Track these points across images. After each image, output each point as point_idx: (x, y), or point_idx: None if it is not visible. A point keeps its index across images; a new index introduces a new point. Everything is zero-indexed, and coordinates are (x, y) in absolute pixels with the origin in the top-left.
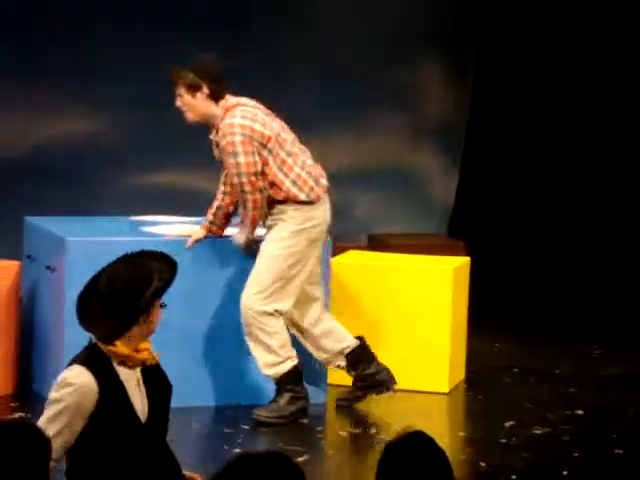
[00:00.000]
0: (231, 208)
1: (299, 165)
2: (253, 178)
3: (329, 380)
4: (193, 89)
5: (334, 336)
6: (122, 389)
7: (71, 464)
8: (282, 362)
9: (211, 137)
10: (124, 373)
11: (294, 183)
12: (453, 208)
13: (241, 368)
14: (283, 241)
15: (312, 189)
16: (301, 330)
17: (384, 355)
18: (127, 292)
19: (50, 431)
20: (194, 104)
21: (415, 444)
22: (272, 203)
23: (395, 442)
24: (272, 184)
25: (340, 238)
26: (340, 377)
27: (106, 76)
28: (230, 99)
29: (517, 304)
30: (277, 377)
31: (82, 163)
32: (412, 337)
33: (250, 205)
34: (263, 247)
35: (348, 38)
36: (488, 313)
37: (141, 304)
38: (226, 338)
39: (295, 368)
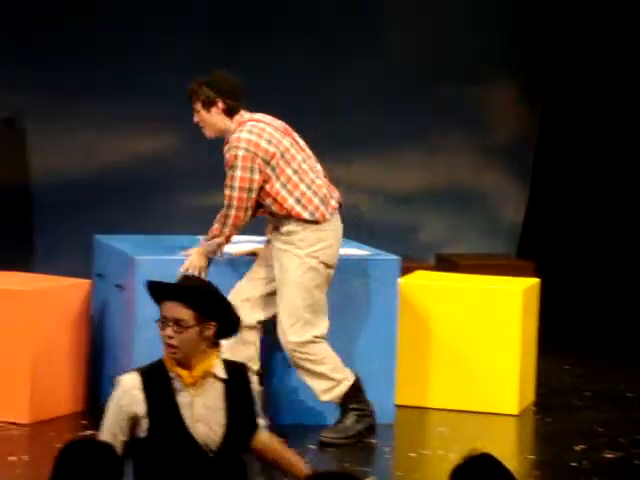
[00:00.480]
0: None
1: (305, 183)
2: (244, 194)
3: (397, 401)
4: (209, 105)
5: None
6: (172, 401)
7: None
8: (337, 385)
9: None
10: (182, 389)
11: (298, 201)
12: (522, 228)
13: (306, 388)
14: (300, 267)
15: (317, 208)
16: None
17: (453, 376)
18: None
19: (102, 428)
20: (210, 119)
21: (483, 466)
22: (279, 219)
23: (463, 464)
24: (275, 200)
25: (407, 258)
26: (408, 397)
27: (170, 97)
28: (244, 114)
29: (588, 326)
30: (337, 400)
31: (148, 182)
32: (481, 358)
33: (231, 221)
34: (282, 276)
35: (416, 56)
36: (558, 335)
37: None
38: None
39: (353, 387)
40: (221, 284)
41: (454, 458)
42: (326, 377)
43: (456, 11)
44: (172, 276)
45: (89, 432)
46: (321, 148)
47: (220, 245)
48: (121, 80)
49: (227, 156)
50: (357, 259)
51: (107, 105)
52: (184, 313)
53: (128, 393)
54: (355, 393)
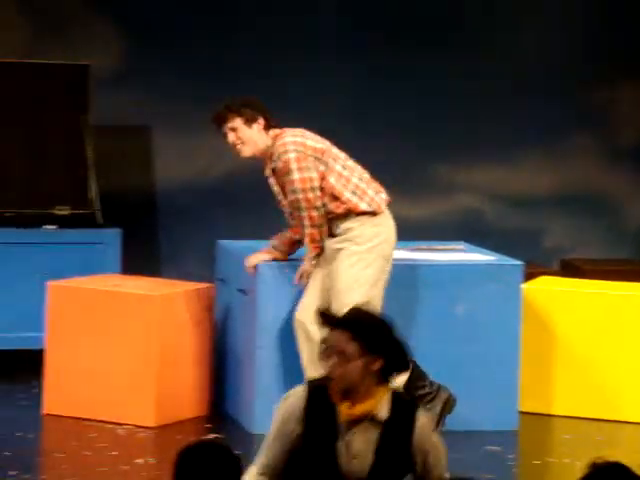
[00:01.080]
0: (296, 236)
1: (356, 177)
2: (310, 195)
3: (521, 407)
4: (251, 122)
5: None
6: (332, 429)
7: None
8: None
9: (266, 174)
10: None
11: (354, 193)
12: None
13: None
14: (359, 263)
15: (372, 199)
16: None
17: (577, 383)
18: None
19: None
20: (252, 137)
21: (615, 475)
22: (335, 220)
23: (594, 472)
24: (332, 197)
25: (531, 264)
26: (532, 404)
27: (298, 109)
28: (275, 129)
29: None
30: (403, 388)
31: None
32: (607, 365)
33: (307, 222)
34: (338, 274)
35: (543, 57)
36: None
37: None
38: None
39: (413, 370)
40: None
41: (581, 466)
42: None
43: (585, 10)
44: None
45: (213, 436)
46: (443, 150)
47: (312, 245)
48: (248, 89)
49: (280, 165)
50: (480, 265)
51: None
52: (350, 345)
53: (290, 407)
54: (415, 378)
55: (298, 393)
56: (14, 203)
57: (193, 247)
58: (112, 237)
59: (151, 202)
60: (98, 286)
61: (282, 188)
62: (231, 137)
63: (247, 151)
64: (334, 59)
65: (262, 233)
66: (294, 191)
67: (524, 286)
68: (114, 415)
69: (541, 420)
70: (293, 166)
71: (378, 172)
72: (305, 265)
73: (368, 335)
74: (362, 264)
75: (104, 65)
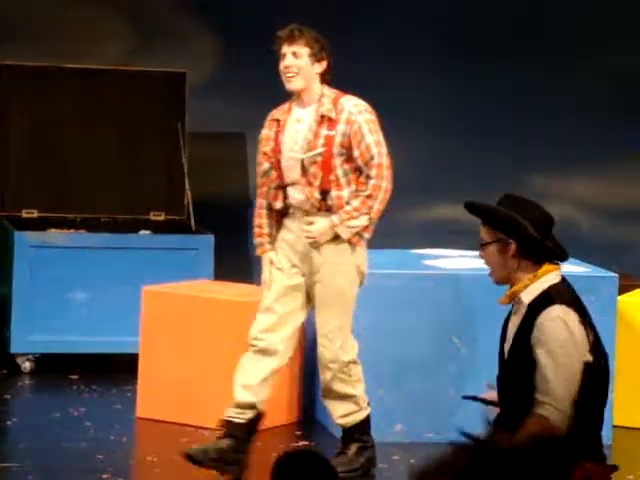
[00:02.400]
0: (278, 203)
1: None
2: (386, 160)
3: (615, 421)
4: (316, 59)
5: None
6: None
7: None
8: (358, 411)
9: (278, 117)
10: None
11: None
12: None
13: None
14: (356, 281)
15: None
16: None
17: None
18: None
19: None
20: (309, 72)
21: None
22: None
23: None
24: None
25: (626, 276)
26: (626, 418)
27: (397, 115)
28: (330, 86)
29: None
30: (349, 426)
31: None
32: None
33: (382, 195)
34: (335, 287)
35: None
36: None
37: None
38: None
39: (368, 417)
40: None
41: None
42: (354, 401)
43: None
44: (384, 289)
45: (303, 443)
46: (539, 161)
47: (367, 228)
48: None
49: (358, 118)
50: (575, 277)
51: None
52: (483, 231)
53: None
54: (366, 424)
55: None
56: (111, 208)
57: None
58: (205, 243)
59: (245, 209)
60: (191, 292)
61: (313, 141)
62: (290, 60)
63: (298, 83)
64: (430, 74)
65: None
66: (380, 154)
67: (619, 298)
68: (206, 420)
69: (635, 434)
70: (373, 127)
71: (474, 182)
72: (324, 233)
73: (494, 221)
74: (357, 281)
75: (200, 72)
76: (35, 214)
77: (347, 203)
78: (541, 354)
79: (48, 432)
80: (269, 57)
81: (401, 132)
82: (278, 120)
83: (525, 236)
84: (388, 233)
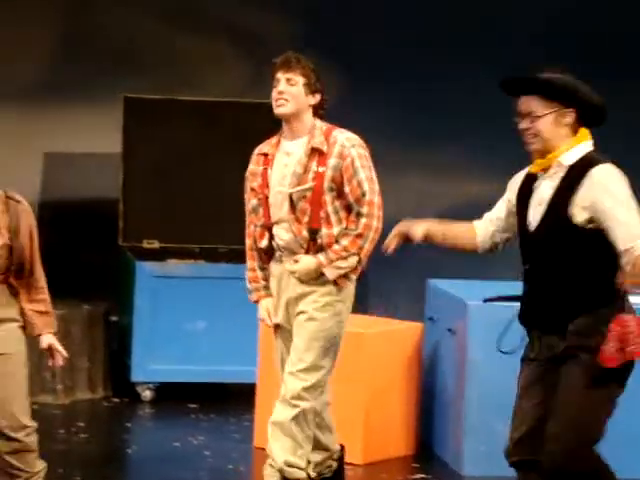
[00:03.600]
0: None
1: None
2: (378, 199)
3: None
4: (310, 90)
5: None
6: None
7: None
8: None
9: (266, 151)
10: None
11: None
12: None
13: None
14: (340, 315)
15: None
16: None
17: None
18: None
19: None
20: (302, 103)
21: None
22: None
23: None
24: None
25: None
26: None
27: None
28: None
29: None
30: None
31: None
32: None
33: (372, 235)
34: (316, 319)
35: None
36: None
37: None
38: None
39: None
40: None
41: None
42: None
43: None
44: (503, 323)
45: (420, 476)
46: None
47: (355, 269)
48: (459, 123)
49: (351, 152)
50: None
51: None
52: (534, 104)
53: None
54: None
55: None
56: (227, 239)
57: (402, 285)
58: None
59: None
60: None
61: (303, 175)
62: (283, 86)
63: (288, 108)
64: None
65: (473, 272)
66: (372, 191)
67: None
68: None
69: None
70: (366, 163)
71: None
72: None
73: (550, 91)
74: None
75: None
76: (156, 244)
77: (336, 242)
78: (611, 206)
79: (167, 461)
80: (382, 85)
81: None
82: (266, 154)
83: (587, 103)
84: (504, 263)
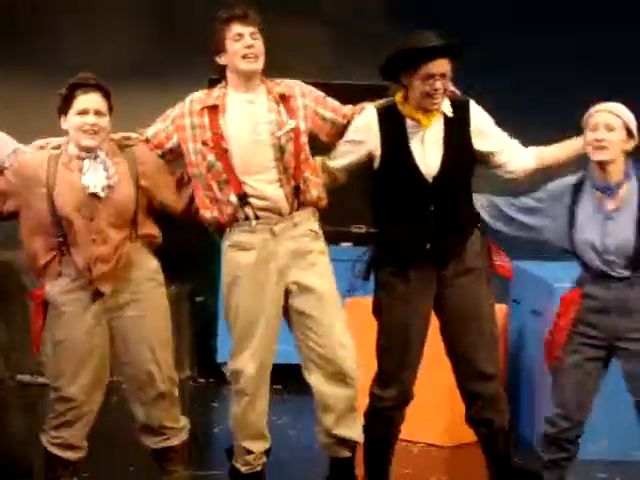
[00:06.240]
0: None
1: None
2: None
3: None
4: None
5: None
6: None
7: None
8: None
9: (213, 102)
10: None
11: None
12: None
13: None
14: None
15: None
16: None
17: None
18: None
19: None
20: (263, 54)
21: None
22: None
23: None
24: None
25: None
26: None
27: None
28: None
29: None
30: None
31: None
32: None
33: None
34: (325, 284)
35: None
36: None
37: None
38: None
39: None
40: None
41: None
42: None
43: None
44: None
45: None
46: None
47: None
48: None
49: (310, 87)
50: None
51: None
52: (447, 66)
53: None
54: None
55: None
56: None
57: None
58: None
59: None
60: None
61: (280, 120)
62: (249, 40)
63: (259, 64)
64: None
65: (558, 254)
66: (341, 106)
67: None
68: (409, 433)
69: None
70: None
71: None
72: None
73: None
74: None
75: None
76: None
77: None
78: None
79: None
80: (466, 72)
81: None
82: (214, 106)
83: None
84: None
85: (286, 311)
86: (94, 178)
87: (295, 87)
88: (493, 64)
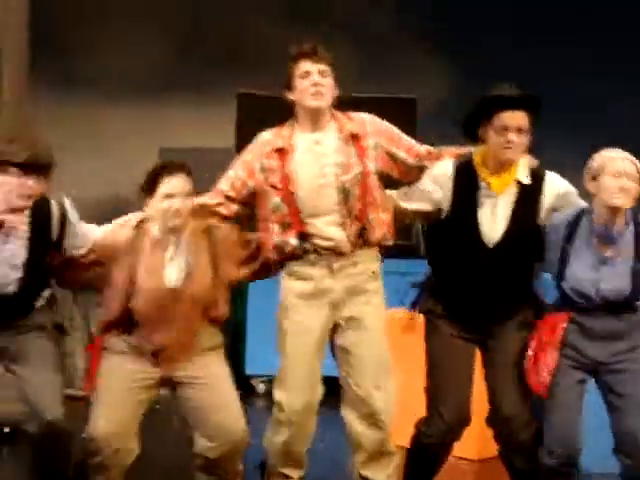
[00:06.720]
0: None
1: None
2: None
3: None
4: (334, 80)
5: None
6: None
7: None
8: None
9: (281, 145)
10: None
11: None
12: None
13: None
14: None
15: None
16: None
17: None
18: None
19: None
20: (332, 90)
21: None
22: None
23: None
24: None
25: None
26: None
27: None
28: None
29: None
30: None
31: None
32: None
33: None
34: (374, 324)
35: None
36: None
37: None
38: None
39: None
40: None
41: None
42: None
43: None
44: None
45: None
46: None
47: None
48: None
49: (386, 123)
50: None
51: None
52: (525, 120)
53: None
54: None
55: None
56: None
57: None
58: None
59: None
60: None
61: (347, 163)
62: (318, 77)
63: (326, 101)
64: None
65: None
66: (416, 144)
67: None
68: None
69: None
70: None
71: None
72: None
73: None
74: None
75: (428, 97)
76: None
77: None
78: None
79: None
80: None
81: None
82: (282, 149)
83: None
84: None
85: (332, 346)
86: (175, 270)
87: (367, 124)
88: None
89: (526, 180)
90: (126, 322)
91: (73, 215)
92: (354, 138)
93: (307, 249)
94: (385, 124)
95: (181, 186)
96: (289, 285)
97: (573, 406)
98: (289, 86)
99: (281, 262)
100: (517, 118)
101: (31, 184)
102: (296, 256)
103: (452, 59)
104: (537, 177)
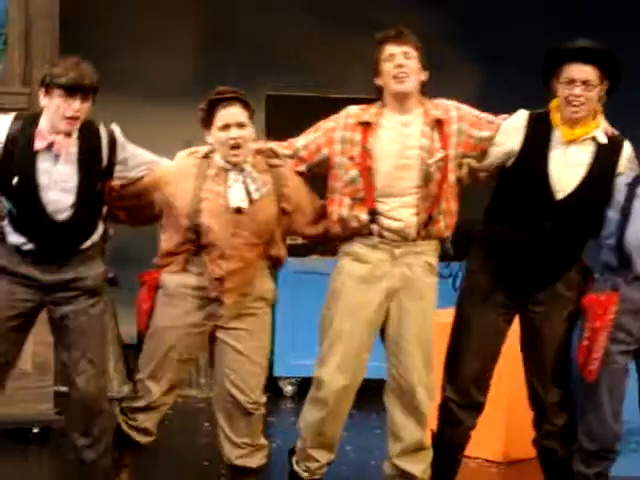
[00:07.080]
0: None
1: None
2: None
3: None
4: (422, 67)
5: None
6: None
7: None
8: None
9: (368, 119)
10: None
11: None
12: None
13: None
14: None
15: None
16: None
17: None
18: None
19: None
20: (418, 79)
21: None
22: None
23: None
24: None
25: None
26: None
27: None
28: None
29: None
30: None
31: None
32: None
33: None
34: (425, 318)
35: None
36: None
37: None
38: None
39: None
40: None
41: None
42: None
43: None
44: None
45: None
46: None
47: None
48: None
49: (467, 108)
50: None
51: None
52: (592, 74)
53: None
54: None
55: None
56: None
57: None
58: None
59: None
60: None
61: (431, 146)
62: (401, 59)
63: (409, 85)
64: None
65: None
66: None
67: None
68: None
69: None
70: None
71: None
72: None
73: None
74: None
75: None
76: (298, 240)
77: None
78: None
79: None
80: (525, 86)
81: None
82: (368, 123)
83: (617, 79)
84: None
85: (383, 333)
86: (239, 193)
87: (452, 110)
88: None
89: (604, 139)
90: (189, 250)
91: (122, 139)
92: (439, 124)
93: (372, 231)
94: (466, 108)
95: (236, 115)
96: (346, 266)
97: (618, 392)
98: (376, 72)
99: (341, 238)
100: (584, 71)
101: (76, 106)
102: (360, 234)
103: (483, 62)
104: (615, 140)
